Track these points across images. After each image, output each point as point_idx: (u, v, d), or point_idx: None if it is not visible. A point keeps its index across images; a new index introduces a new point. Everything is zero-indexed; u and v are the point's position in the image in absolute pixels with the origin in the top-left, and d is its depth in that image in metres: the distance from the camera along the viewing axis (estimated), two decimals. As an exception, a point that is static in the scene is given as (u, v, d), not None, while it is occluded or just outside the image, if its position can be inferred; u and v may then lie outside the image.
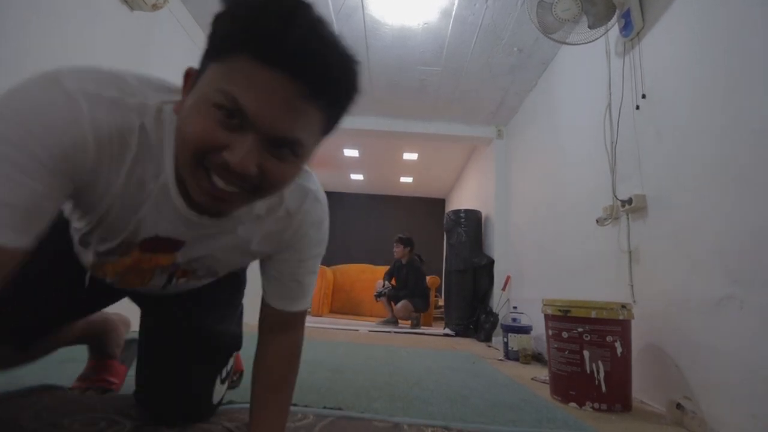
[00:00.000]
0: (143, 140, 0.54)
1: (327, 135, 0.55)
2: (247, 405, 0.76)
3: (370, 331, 3.49)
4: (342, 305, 5.55)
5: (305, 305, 0.78)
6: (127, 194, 0.57)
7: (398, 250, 4.39)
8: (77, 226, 0.66)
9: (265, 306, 0.76)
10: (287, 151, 0.50)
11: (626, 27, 1.69)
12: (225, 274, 0.81)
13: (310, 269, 0.77)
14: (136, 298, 0.90)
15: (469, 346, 2.86)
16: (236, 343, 0.94)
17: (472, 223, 3.92)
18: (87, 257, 0.72)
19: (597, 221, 1.82)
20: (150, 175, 0.56)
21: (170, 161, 0.56)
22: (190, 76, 0.52)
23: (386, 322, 4.21)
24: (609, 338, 1.32)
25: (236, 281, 0.95)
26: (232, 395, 1.07)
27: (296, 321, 0.79)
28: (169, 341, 0.85)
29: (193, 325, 0.86)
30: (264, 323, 0.77)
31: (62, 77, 0.48)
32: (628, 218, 1.65)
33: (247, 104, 0.45)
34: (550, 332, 1.47)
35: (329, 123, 0.53)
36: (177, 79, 0.57)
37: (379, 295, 4.30)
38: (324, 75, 0.47)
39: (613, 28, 1.78)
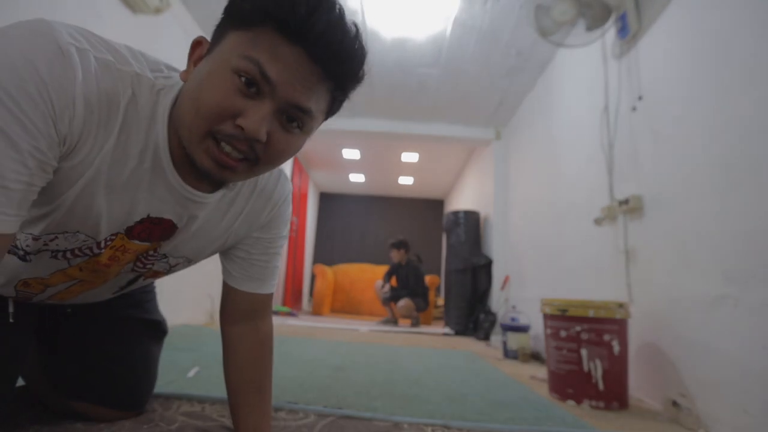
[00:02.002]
0: (132, 111, 0.52)
1: (328, 117, 0.59)
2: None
3: (370, 330, 3.50)
4: (342, 305, 5.57)
5: (273, 288, 0.79)
6: (113, 168, 0.53)
7: (396, 254, 4.46)
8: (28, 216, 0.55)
9: (232, 293, 0.76)
10: (296, 125, 0.53)
11: (623, 29, 1.71)
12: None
13: (277, 249, 0.77)
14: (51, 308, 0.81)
15: (469, 345, 2.87)
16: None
17: (471, 223, 3.94)
18: (27, 265, 0.61)
19: (595, 221, 1.84)
20: (136, 150, 0.54)
21: (163, 136, 0.55)
22: (201, 44, 0.54)
23: (386, 322, 4.24)
24: (606, 337, 1.34)
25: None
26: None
27: (265, 306, 0.78)
28: (121, 330, 0.88)
29: (146, 314, 0.93)
30: (231, 312, 0.76)
31: (53, 28, 0.45)
32: (625, 218, 1.67)
33: (272, 71, 0.48)
34: (549, 331, 1.49)
35: (332, 106, 0.57)
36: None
37: (386, 302, 4.35)
38: (338, 62, 0.51)
39: (610, 31, 1.80)
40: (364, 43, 0.52)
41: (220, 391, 1.12)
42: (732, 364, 1.09)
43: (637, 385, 1.45)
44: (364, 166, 5.72)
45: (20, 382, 0.95)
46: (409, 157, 5.19)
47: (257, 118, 0.48)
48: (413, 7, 2.28)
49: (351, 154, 5.24)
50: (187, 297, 2.68)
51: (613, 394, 1.32)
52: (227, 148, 0.50)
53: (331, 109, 0.57)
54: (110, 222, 0.58)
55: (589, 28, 1.76)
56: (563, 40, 1.85)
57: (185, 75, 0.54)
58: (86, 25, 0.52)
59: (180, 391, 1.09)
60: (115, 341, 0.87)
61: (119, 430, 0.81)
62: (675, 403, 1.23)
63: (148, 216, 0.60)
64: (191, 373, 1.31)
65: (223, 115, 0.48)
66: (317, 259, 6.45)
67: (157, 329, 0.96)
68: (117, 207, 0.57)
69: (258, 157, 0.52)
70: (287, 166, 4.30)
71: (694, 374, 1.22)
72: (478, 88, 3.09)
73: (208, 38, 0.54)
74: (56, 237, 0.58)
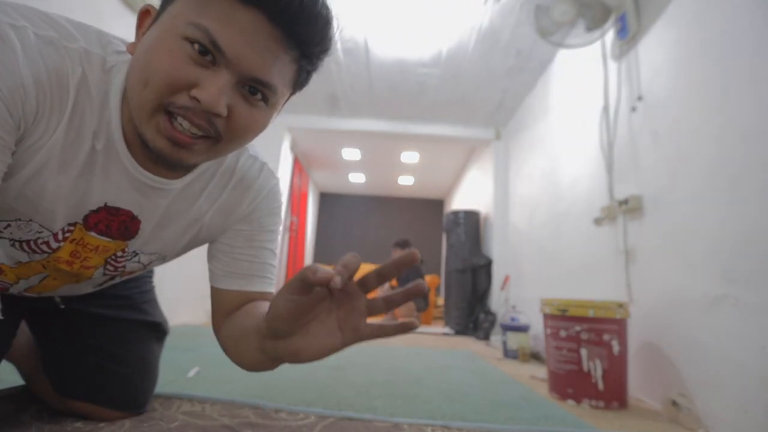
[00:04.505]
0: (83, 91, 0.48)
1: (295, 91, 0.54)
2: (249, 402, 0.75)
3: (370, 331, 3.50)
4: (342, 305, 5.57)
5: (264, 287, 0.69)
6: (67, 152, 0.50)
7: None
8: None
9: (219, 295, 0.68)
10: (259, 97, 0.47)
11: (622, 30, 1.71)
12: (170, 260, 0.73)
13: (264, 243, 0.69)
14: (38, 304, 0.78)
15: (469, 344, 2.87)
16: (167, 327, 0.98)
17: (471, 223, 3.94)
18: None
19: (595, 221, 1.84)
20: (89, 131, 0.50)
21: (116, 117, 0.51)
22: (149, 13, 0.49)
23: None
24: (606, 337, 1.34)
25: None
26: (233, 393, 1.09)
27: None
28: (119, 329, 0.87)
29: (144, 314, 0.92)
30: (220, 318, 0.68)
31: None
32: (624, 219, 1.67)
33: (224, 41, 0.43)
34: (549, 331, 1.49)
35: (299, 77, 0.51)
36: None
37: None
38: (302, 25, 0.45)
39: (610, 31, 1.80)
40: (328, 4, 0.47)
41: (220, 391, 1.12)
42: (732, 364, 1.09)
43: (637, 385, 1.45)
44: (364, 166, 5.72)
45: (20, 381, 0.96)
46: (409, 157, 5.19)
47: (214, 90, 0.43)
48: (412, 8, 2.28)
49: (351, 154, 5.23)
50: (187, 297, 2.68)
51: (613, 394, 1.32)
52: (184, 125, 0.45)
53: (299, 82, 0.52)
54: (65, 209, 0.54)
55: (589, 28, 1.77)
56: (563, 41, 1.86)
57: (132, 48, 0.48)
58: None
59: (180, 391, 1.09)
60: (115, 342, 0.87)
61: (119, 429, 0.81)
62: (675, 403, 1.23)
63: (105, 205, 0.56)
64: (191, 373, 1.31)
65: (175, 86, 0.43)
66: (317, 258, 6.45)
67: (157, 330, 0.96)
68: (71, 192, 0.53)
69: (219, 134, 0.47)
70: (287, 166, 4.29)
71: (694, 374, 1.22)
72: (478, 88, 3.09)
73: None
74: (9, 225, 0.54)
